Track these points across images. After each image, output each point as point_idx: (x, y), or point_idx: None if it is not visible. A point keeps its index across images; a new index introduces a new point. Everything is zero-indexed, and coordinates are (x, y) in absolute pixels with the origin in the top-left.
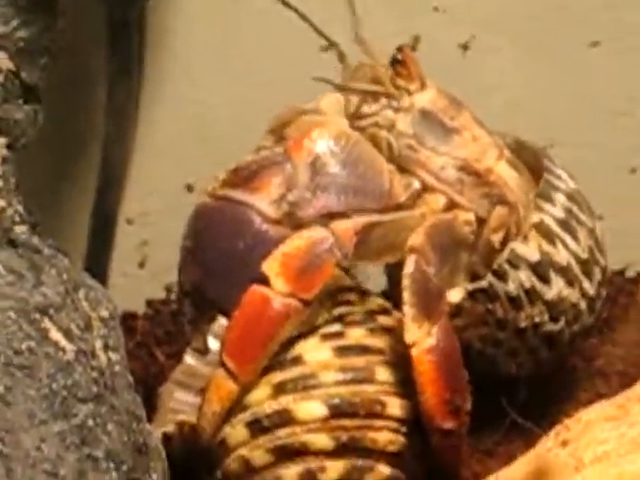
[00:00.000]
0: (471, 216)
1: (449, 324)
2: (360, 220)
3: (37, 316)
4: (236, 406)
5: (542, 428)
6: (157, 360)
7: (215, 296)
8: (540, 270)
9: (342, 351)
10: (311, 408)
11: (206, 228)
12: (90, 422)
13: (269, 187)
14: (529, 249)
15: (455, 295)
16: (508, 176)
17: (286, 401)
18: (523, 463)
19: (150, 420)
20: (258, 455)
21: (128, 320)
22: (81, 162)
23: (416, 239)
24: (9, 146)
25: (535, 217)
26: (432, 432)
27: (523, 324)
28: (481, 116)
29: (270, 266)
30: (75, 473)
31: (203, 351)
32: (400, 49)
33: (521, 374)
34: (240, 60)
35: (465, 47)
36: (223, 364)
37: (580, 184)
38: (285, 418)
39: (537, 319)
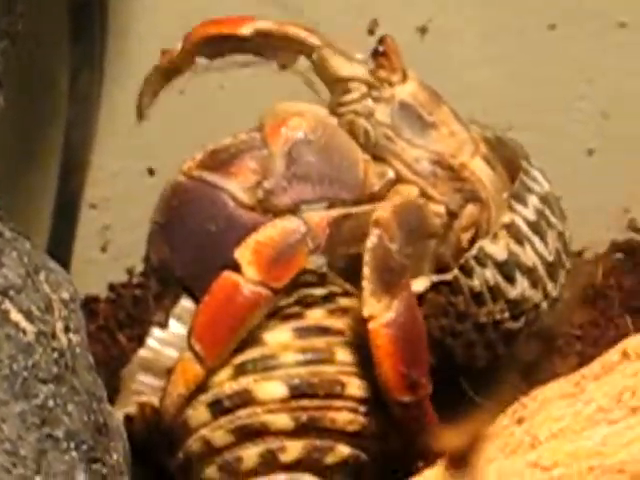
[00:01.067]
0: (442, 209)
1: (411, 299)
2: (334, 211)
3: None
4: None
5: (500, 406)
6: (119, 343)
7: (182, 274)
8: (506, 269)
9: (302, 332)
10: (271, 388)
11: (179, 207)
12: (50, 402)
13: (245, 173)
14: (497, 248)
15: (419, 285)
16: (482, 173)
17: (246, 382)
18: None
19: (112, 402)
20: (219, 436)
21: (90, 304)
22: (44, 147)
23: (382, 213)
24: None
25: (506, 217)
26: (392, 405)
27: (483, 319)
28: None
29: (242, 254)
30: (35, 453)
31: (164, 325)
32: (382, 40)
33: (476, 366)
34: None
35: (423, 30)
36: (191, 347)
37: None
38: (245, 398)
39: (498, 316)
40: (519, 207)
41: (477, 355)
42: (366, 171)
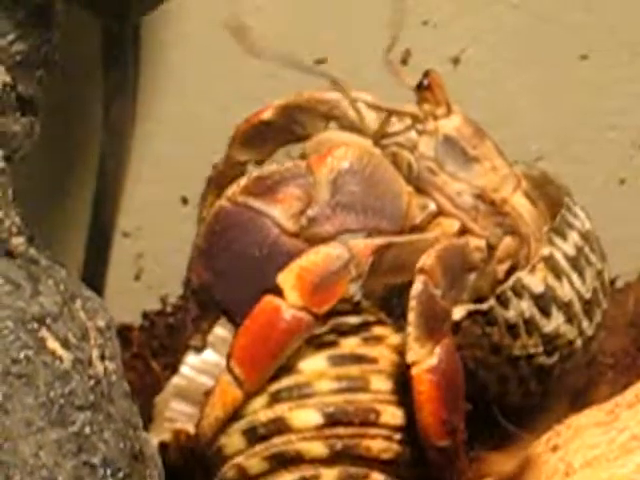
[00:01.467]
0: (482, 243)
1: (452, 345)
2: (377, 240)
3: (35, 325)
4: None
5: (533, 435)
6: (153, 371)
7: (222, 299)
8: (542, 302)
9: (336, 360)
10: (306, 416)
11: (222, 231)
12: (87, 430)
13: (289, 200)
14: (535, 280)
15: (455, 313)
16: (523, 208)
17: (281, 409)
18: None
19: (147, 430)
20: (254, 463)
21: (124, 332)
22: (78, 175)
23: (427, 261)
24: (6, 158)
25: (545, 250)
26: (428, 448)
27: (517, 352)
28: None
29: (285, 278)
30: None
31: (201, 349)
32: (427, 74)
33: (509, 402)
34: (235, 75)
35: (456, 61)
36: (230, 370)
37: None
38: (280, 426)
39: (532, 350)
40: (559, 241)
41: (510, 390)
42: (409, 203)
